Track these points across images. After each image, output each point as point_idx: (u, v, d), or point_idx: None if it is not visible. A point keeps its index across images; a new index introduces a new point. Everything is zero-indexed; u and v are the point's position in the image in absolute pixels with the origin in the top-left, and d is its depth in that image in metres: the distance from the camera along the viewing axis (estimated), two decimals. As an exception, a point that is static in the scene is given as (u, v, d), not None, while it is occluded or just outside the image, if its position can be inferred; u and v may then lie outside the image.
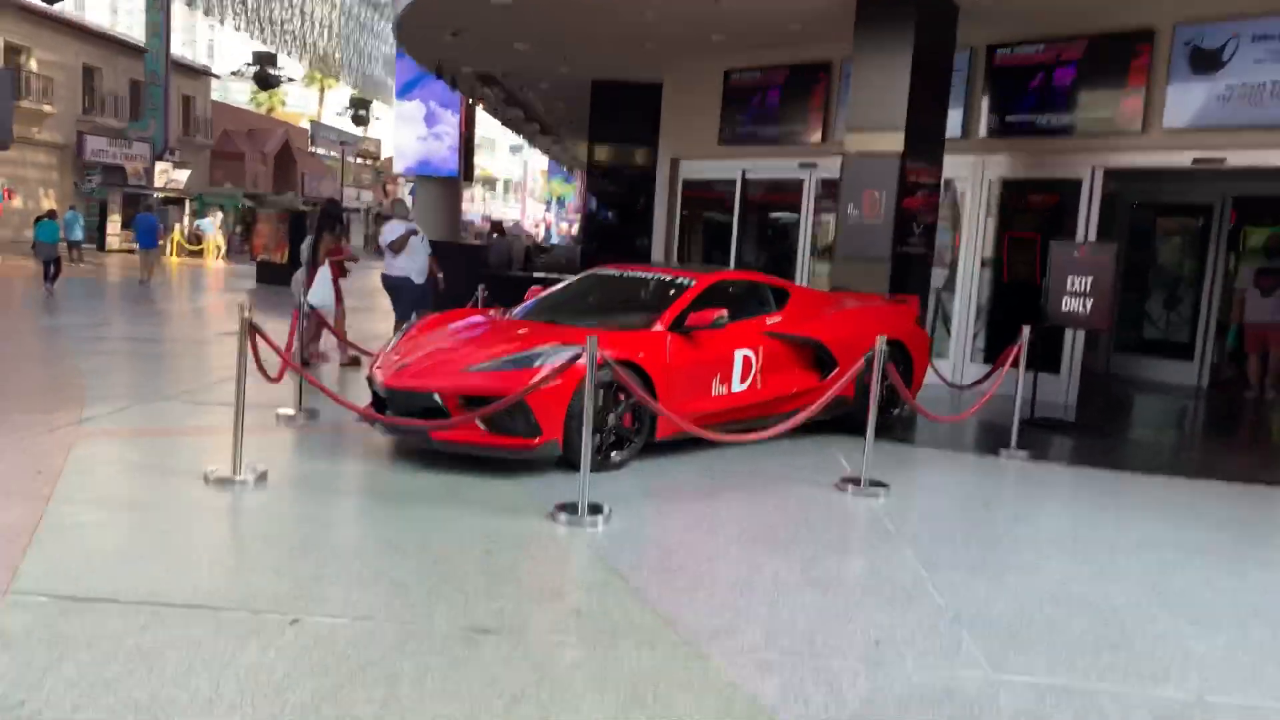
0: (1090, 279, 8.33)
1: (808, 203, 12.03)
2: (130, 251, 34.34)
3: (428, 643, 3.49)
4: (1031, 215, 10.42)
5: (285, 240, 24.15)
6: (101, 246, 34.15)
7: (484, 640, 3.54)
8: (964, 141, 10.37)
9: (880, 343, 5.98)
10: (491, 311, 7.36)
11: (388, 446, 6.33)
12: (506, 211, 73.18)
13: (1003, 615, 4.11)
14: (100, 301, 17.18)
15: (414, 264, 10.25)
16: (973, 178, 10.52)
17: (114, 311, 15.49)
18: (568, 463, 5.90)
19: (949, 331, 10.75)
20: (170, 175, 37.11)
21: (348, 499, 5.30)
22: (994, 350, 10.34)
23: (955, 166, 10.37)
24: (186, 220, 36.45)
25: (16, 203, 34.27)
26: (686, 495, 5.72)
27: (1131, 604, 4.33)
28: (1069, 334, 9.66)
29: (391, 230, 10.37)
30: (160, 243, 23.93)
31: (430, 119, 20.98)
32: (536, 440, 5.75)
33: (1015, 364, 7.33)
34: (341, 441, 6.54)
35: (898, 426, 7.88)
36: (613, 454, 6.11)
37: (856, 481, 6.00)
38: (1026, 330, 7.29)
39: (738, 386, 6.82)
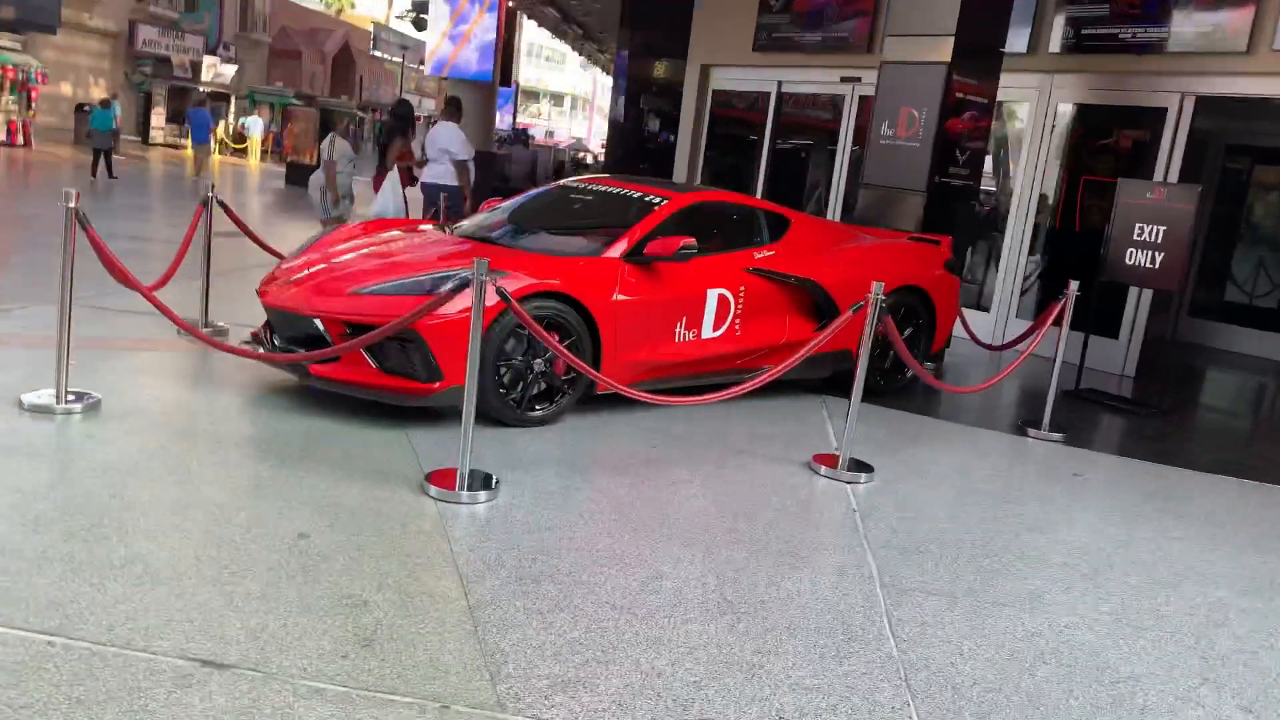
0: (1163, 229, 6.90)
1: (847, 124, 10.59)
2: (173, 146, 33.92)
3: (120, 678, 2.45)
4: (1108, 153, 8.88)
5: (315, 141, 23.22)
6: (145, 139, 33.62)
7: (194, 684, 2.48)
8: (1028, 58, 8.85)
9: (876, 290, 4.72)
10: (429, 226, 6.20)
11: (275, 379, 5.29)
12: (573, 128, 71.41)
13: (975, 677, 2.95)
14: (131, 195, 16.41)
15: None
16: (1036, 102, 8.99)
17: (125, 205, 14.68)
18: (485, 415, 4.82)
19: (995, 279, 9.35)
20: (217, 70, 36.25)
21: (177, 445, 4.27)
22: (1041, 304, 8.96)
23: (1015, 88, 8.87)
24: (231, 117, 35.71)
25: (65, 89, 33.80)
26: (611, 468, 4.59)
27: (1160, 670, 3.14)
28: (1133, 292, 8.23)
29: (444, 136, 9.41)
30: (210, 139, 23.42)
31: (463, 19, 19.65)
32: (437, 385, 4.65)
33: (1059, 323, 6.01)
34: (226, 368, 5.51)
35: (916, 393, 6.63)
36: (536, 408, 4.99)
37: (833, 462, 4.81)
38: (1074, 285, 5.94)
39: (709, 333, 5.62)
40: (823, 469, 4.78)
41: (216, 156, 31.17)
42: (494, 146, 23.91)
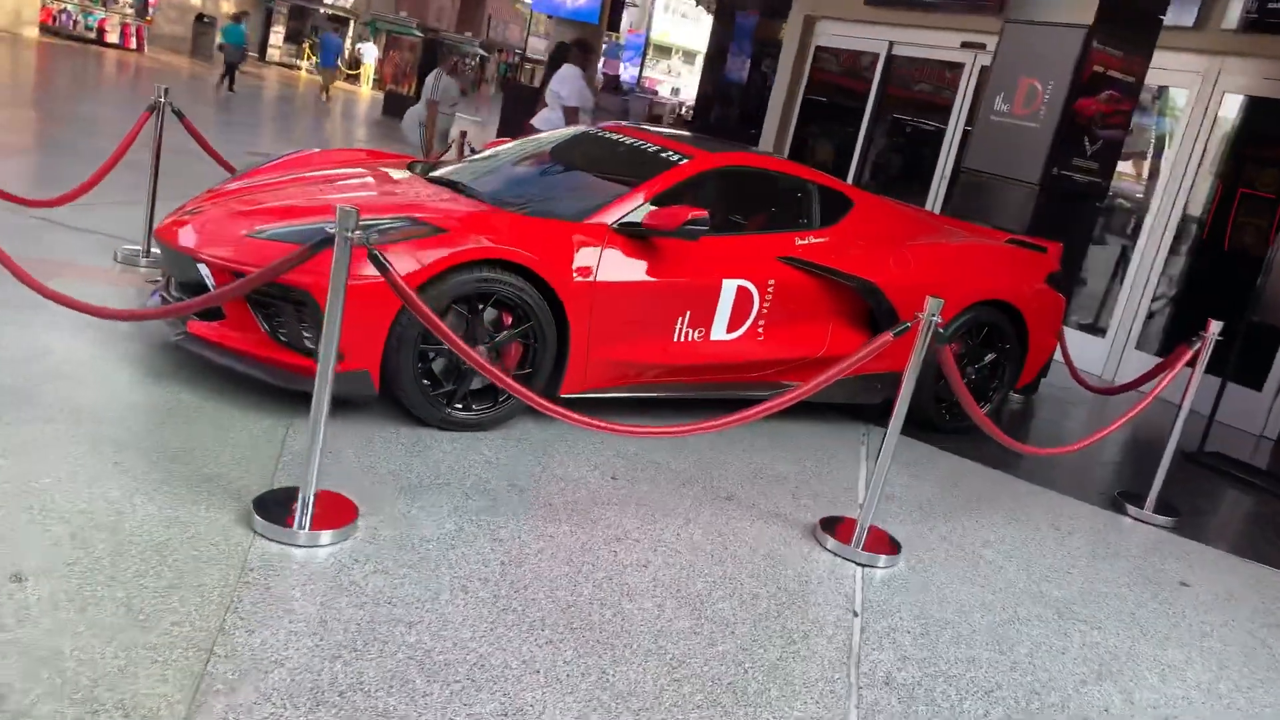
0: (1345, 262, 5.33)
1: (964, 99, 9.07)
2: (289, 66, 33.80)
3: None
4: (1276, 162, 7.21)
5: (413, 71, 22.47)
6: (263, 57, 33.54)
7: None
8: (1194, 34, 7.21)
9: (931, 309, 3.43)
10: (397, 167, 5.08)
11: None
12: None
13: None
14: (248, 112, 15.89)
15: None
16: (1198, 88, 7.35)
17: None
18: (408, 412, 3.77)
19: (1116, 300, 7.79)
20: (341, -6, 35.93)
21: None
22: (1177, 339, 7.39)
23: (1172, 69, 7.25)
24: (349, 43, 35.39)
25: (194, 0, 33.96)
26: (540, 507, 3.44)
27: None
28: (1289, 336, 6.62)
29: (558, 78, 8.41)
30: (338, 63, 23.19)
31: (573, -46, 18.49)
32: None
33: (1191, 363, 4.58)
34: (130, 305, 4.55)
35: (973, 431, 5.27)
36: (473, 408, 3.88)
37: (848, 532, 3.57)
38: (1215, 327, 4.49)
39: (721, 334, 4.40)
40: (830, 540, 3.54)
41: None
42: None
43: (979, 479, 4.68)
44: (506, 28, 61.33)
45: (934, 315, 3.41)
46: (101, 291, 4.69)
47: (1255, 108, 7.18)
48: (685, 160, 4.46)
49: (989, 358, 5.22)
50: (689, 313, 4.28)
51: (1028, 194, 6.17)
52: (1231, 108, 7.26)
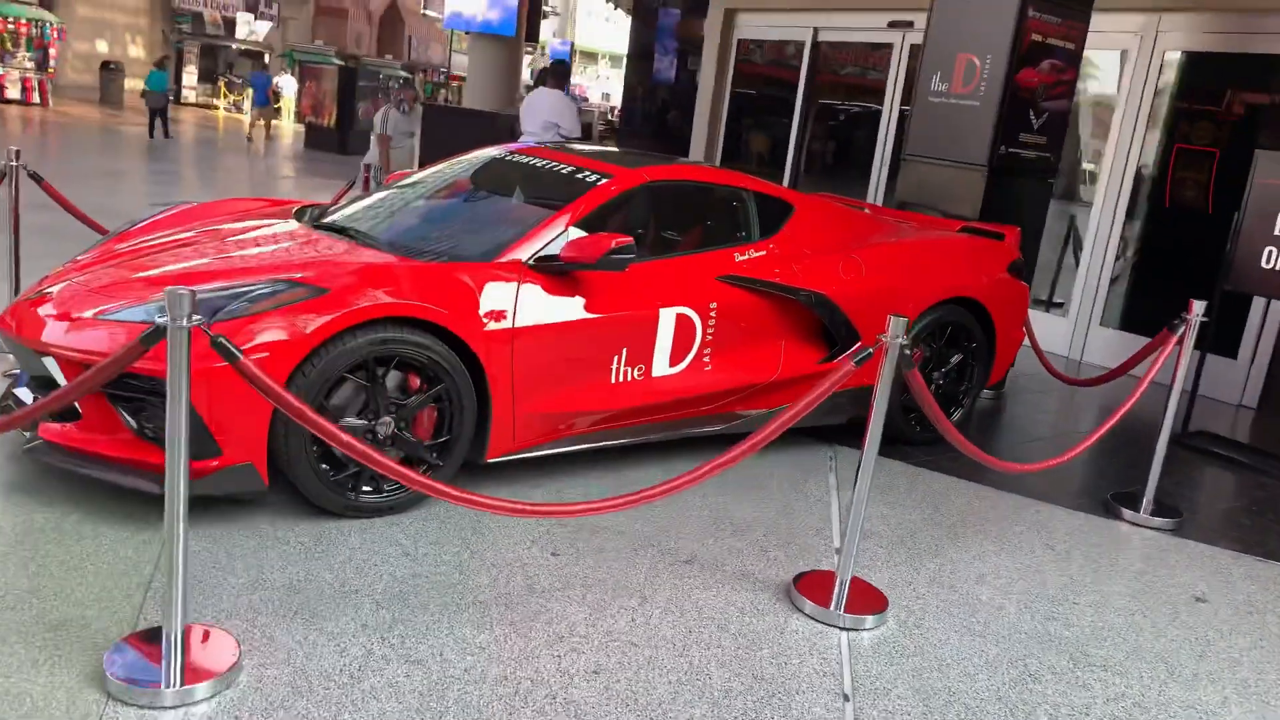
0: (1318, 220, 5.00)
1: (895, 81, 8.70)
2: (206, 106, 32.84)
3: None
4: (1214, 120, 6.90)
5: (333, 102, 21.75)
6: (177, 99, 32.54)
7: None
8: (1130, -8, 6.90)
9: (894, 328, 2.99)
10: (290, 209, 4.53)
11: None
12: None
13: None
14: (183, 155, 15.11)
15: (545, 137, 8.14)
16: (1138, 49, 7.04)
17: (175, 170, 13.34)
18: (302, 498, 3.26)
19: (1071, 274, 7.46)
20: (251, 27, 35.01)
21: None
22: (1139, 310, 7.08)
23: (1109, 31, 6.93)
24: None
25: (100, 47, 32.91)
26: (468, 605, 2.94)
27: None
28: (1258, 302, 6.32)
29: (548, 105, 7.99)
30: (269, 101, 22.72)
31: (485, -34, 17.94)
32: (213, 462, 3.04)
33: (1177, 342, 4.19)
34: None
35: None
36: (383, 489, 3.36)
37: (825, 591, 3.11)
38: (1198, 308, 4.11)
39: (664, 369, 3.93)
40: (807, 603, 3.09)
41: (248, 119, 30.08)
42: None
43: (959, 497, 4.26)
44: (428, 48, 60.56)
45: (899, 337, 2.97)
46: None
47: (1192, 62, 6.88)
48: (604, 180, 3.98)
49: (955, 359, 4.81)
50: (625, 349, 3.80)
51: (976, 177, 5.78)
52: (1171, 65, 6.96)
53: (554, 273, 3.63)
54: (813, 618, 3.05)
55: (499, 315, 3.46)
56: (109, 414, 3.14)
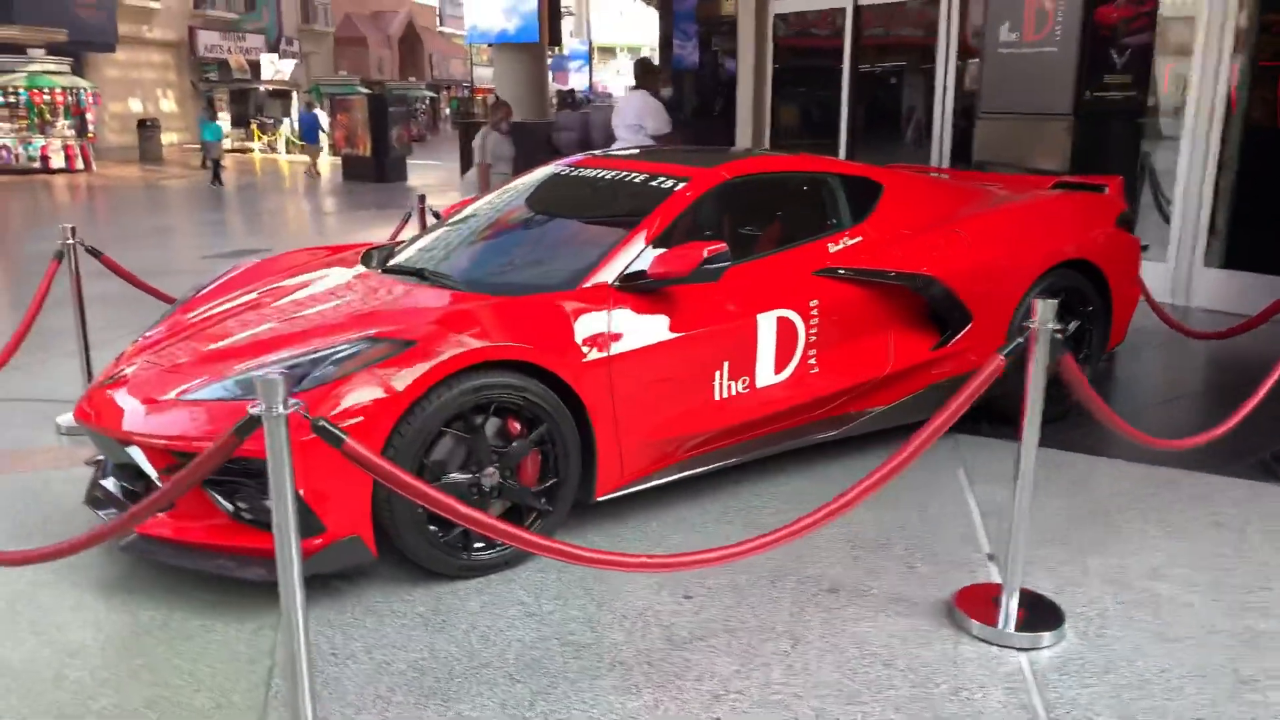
0: None
1: (947, 37, 8.28)
2: (242, 150, 33.24)
3: None
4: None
5: (366, 131, 21.76)
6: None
7: None
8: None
9: (1044, 312, 2.70)
10: (354, 254, 4.32)
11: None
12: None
13: None
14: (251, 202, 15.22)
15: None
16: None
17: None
18: (413, 562, 3.05)
19: (1165, 218, 7.00)
20: (276, 66, 35.32)
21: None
22: (1250, 245, 6.58)
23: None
24: (295, 114, 34.79)
25: (133, 105, 33.44)
26: (593, 681, 2.70)
27: None
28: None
29: (636, 108, 7.84)
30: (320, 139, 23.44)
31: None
32: (314, 542, 2.84)
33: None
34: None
35: (1082, 414, 4.52)
36: (476, 547, 3.13)
37: (989, 609, 2.81)
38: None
39: (769, 378, 3.66)
40: (974, 625, 2.80)
41: (286, 157, 30.37)
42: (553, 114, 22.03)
43: (1099, 477, 3.92)
44: (449, 64, 60.87)
45: (1048, 322, 2.67)
46: (45, 479, 3.98)
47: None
48: (681, 184, 3.71)
49: (1073, 327, 4.46)
50: (727, 363, 3.53)
51: (1061, 127, 5.43)
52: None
53: (643, 291, 3.37)
54: (983, 639, 2.76)
55: (593, 344, 3.22)
56: (202, 500, 2.95)
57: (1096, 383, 5.06)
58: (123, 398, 3.14)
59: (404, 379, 2.86)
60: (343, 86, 39.34)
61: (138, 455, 3.01)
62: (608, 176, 4.04)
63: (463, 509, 2.26)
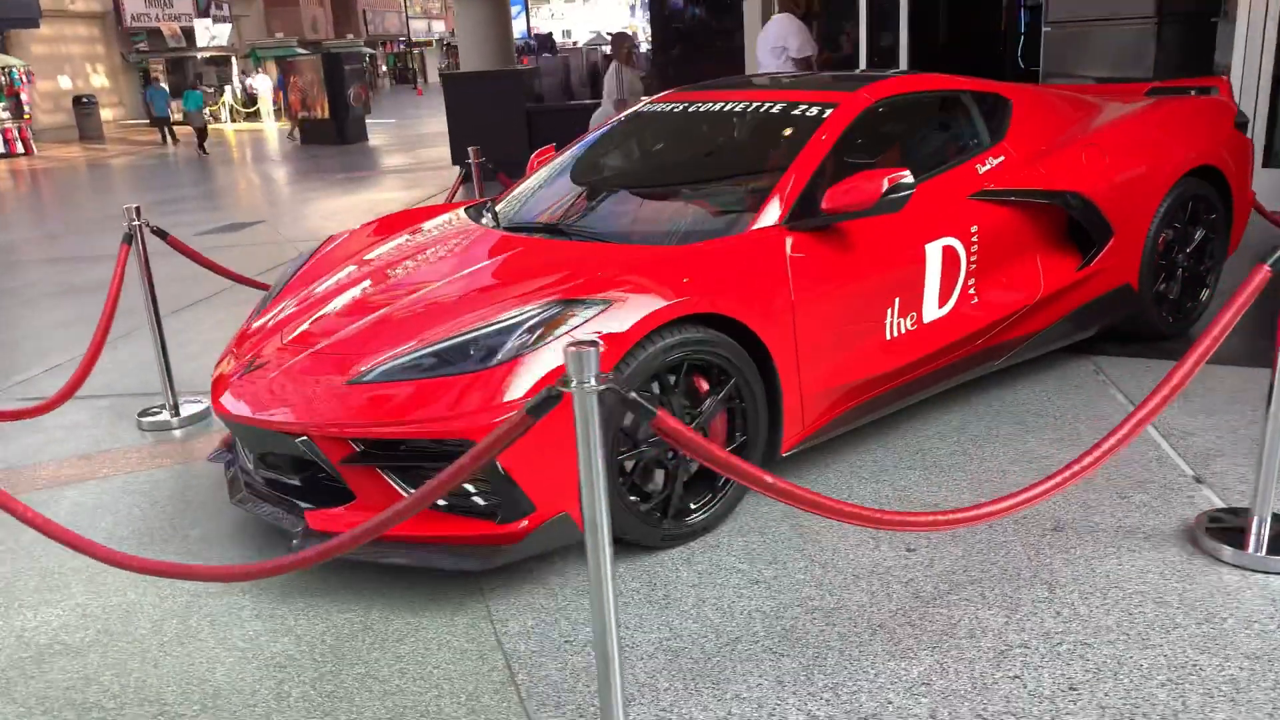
0: None
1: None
2: (183, 123, 32.06)
3: None
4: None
5: (323, 92, 20.98)
6: (151, 119, 31.74)
7: None
8: None
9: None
10: (456, 214, 4.03)
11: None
12: (605, 22, 67.40)
13: None
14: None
15: None
16: None
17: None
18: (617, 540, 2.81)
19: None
20: (212, 32, 33.98)
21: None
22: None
23: None
24: (236, 80, 33.58)
25: (63, 83, 31.99)
26: (863, 649, 2.53)
27: None
28: None
29: (777, 30, 7.38)
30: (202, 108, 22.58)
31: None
32: (521, 525, 2.62)
33: None
34: (190, 489, 3.57)
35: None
36: (691, 510, 2.94)
37: (1235, 534, 2.68)
38: None
39: (934, 312, 3.47)
40: (1226, 551, 2.67)
41: (232, 126, 29.28)
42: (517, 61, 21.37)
43: (1262, 384, 3.80)
44: (384, 19, 59.12)
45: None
46: (153, 479, 3.69)
47: None
48: (829, 110, 3.47)
49: (1199, 236, 4.32)
50: (897, 299, 3.34)
51: (1142, 31, 5.23)
52: None
53: (816, 229, 3.15)
54: (1243, 567, 2.63)
55: (774, 290, 3.00)
56: (386, 490, 2.71)
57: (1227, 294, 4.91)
58: (282, 386, 2.87)
59: (605, 342, 2.63)
60: (280, 49, 38.09)
61: (310, 448, 2.74)
62: (738, 109, 3.77)
63: (769, 479, 2.03)
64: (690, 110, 3.92)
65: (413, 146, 19.26)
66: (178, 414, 4.30)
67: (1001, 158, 3.75)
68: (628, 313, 2.68)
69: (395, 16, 60.02)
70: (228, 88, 32.78)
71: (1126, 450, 3.34)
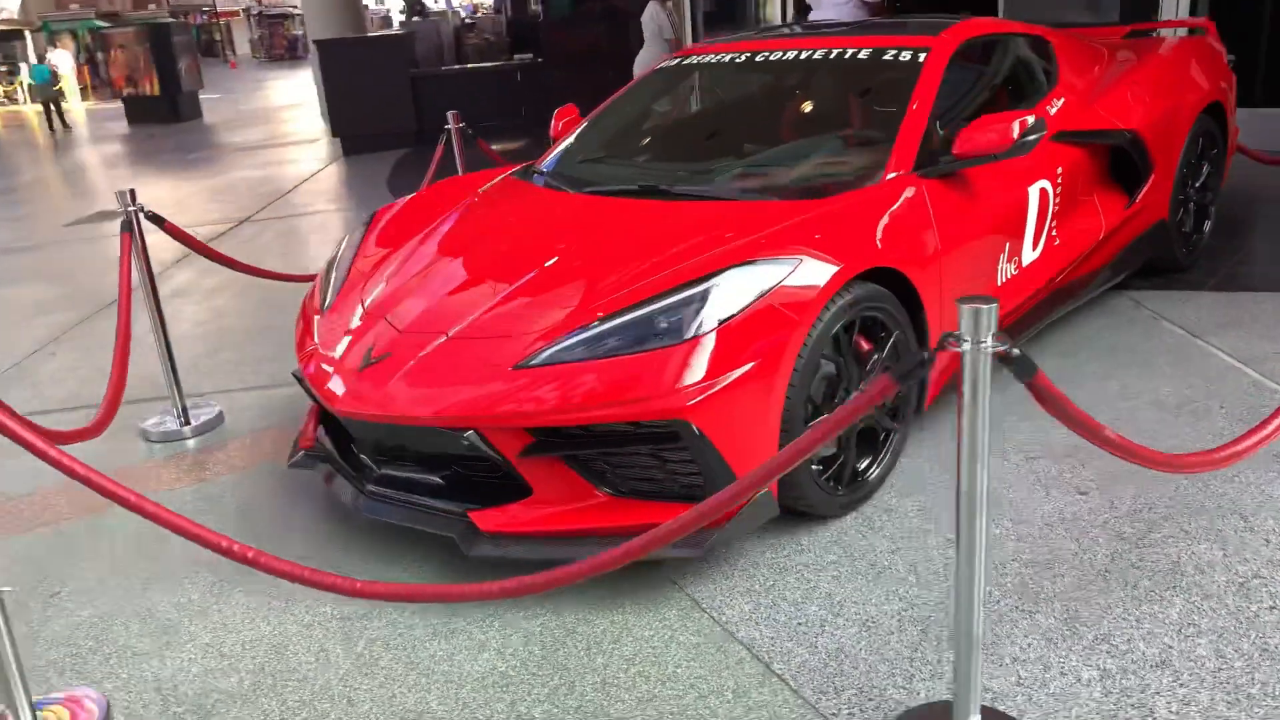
0: None
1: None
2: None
3: None
4: None
5: (151, 67, 19.33)
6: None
7: None
8: None
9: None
10: (511, 178, 3.73)
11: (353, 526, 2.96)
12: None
13: None
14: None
15: None
16: None
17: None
18: (789, 510, 2.67)
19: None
20: (1, 4, 30.79)
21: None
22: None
23: None
24: (33, 57, 30.56)
25: None
26: (1138, 604, 2.50)
27: None
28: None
29: None
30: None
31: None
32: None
33: None
34: (241, 509, 3.19)
35: (1225, 257, 4.63)
36: (870, 467, 2.84)
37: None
38: None
39: (1030, 255, 3.46)
40: (1383, 469, 2.78)
41: (32, 107, 26.61)
42: (372, 27, 20.33)
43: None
44: (187, -12, 55.20)
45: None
46: (203, 496, 3.26)
47: None
48: (926, 54, 3.37)
49: (1205, 170, 4.51)
50: (1008, 244, 3.31)
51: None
52: None
53: (946, 174, 3.07)
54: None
55: (924, 240, 2.91)
56: (570, 480, 2.48)
57: (1229, 224, 5.11)
58: (427, 377, 2.56)
59: (797, 306, 2.48)
60: (77, 22, 35.00)
61: (478, 440, 2.46)
62: (818, 57, 3.60)
63: (1111, 435, 1.92)
64: (764, 60, 3.73)
65: (261, 121, 18.07)
66: (188, 422, 3.83)
67: (1063, 99, 3.77)
68: (817, 270, 2.53)
69: (199, -15, 56.18)
70: (23, 65, 29.79)
71: (1213, 376, 3.46)
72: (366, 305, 2.95)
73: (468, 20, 17.30)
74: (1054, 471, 2.95)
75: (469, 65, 12.67)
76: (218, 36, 61.90)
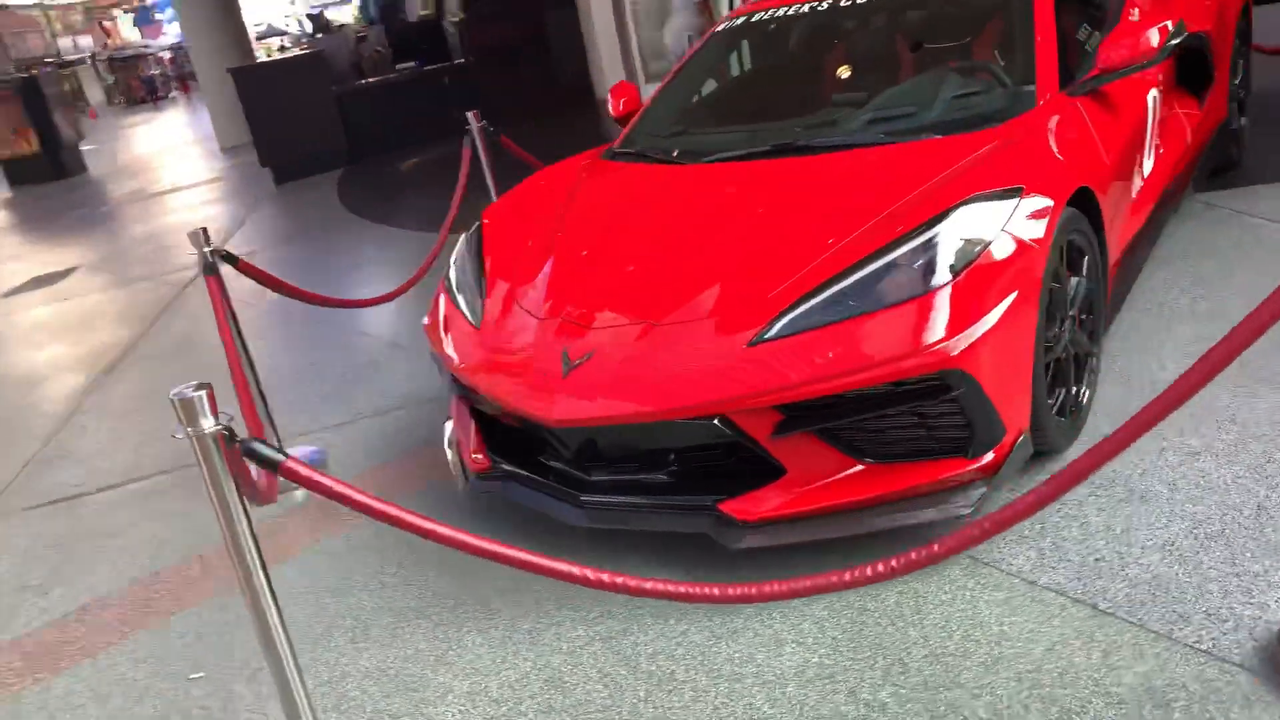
0: None
1: None
2: None
3: None
4: None
5: (28, 124, 18.19)
6: None
7: None
8: None
9: None
10: (602, 161, 3.53)
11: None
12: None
13: None
14: None
15: None
16: None
17: None
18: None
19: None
20: None
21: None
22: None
23: None
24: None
25: None
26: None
27: None
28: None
29: None
30: None
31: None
32: (987, 456, 2.33)
33: None
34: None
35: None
36: (1083, 392, 2.77)
37: None
38: None
39: (1149, 167, 3.44)
40: None
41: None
42: (260, 52, 19.49)
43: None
44: (25, 41, 52.37)
45: None
46: (373, 546, 3.00)
47: None
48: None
49: (1241, 66, 4.58)
50: (1138, 156, 3.28)
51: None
52: None
53: (1090, 90, 3.00)
54: None
55: (1097, 158, 2.86)
56: (824, 454, 2.33)
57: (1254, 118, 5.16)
58: (645, 371, 2.38)
59: (1034, 229, 2.39)
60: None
61: (726, 426, 2.30)
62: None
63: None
64: (849, 2, 3.59)
65: (153, 167, 17.18)
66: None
67: (1136, 8, 3.75)
68: (1039, 198, 2.44)
69: (38, 37, 53.31)
70: None
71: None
72: (534, 310, 2.74)
73: (359, 34, 16.67)
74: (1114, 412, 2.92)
75: (390, 76, 12.21)
76: (67, 87, 59.07)
